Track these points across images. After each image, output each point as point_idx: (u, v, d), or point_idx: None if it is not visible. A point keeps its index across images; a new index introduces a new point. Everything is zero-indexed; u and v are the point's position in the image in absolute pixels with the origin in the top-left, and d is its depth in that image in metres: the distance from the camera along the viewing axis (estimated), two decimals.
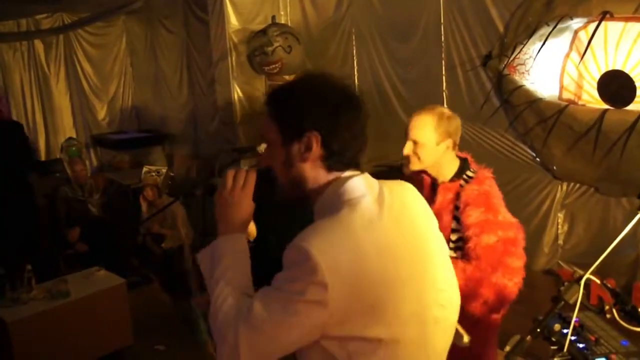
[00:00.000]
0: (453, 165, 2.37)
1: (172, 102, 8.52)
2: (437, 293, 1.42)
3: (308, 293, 1.18)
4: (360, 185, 1.32)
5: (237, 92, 6.71)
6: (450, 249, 2.29)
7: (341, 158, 1.34)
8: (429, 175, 2.42)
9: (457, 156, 2.42)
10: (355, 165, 1.37)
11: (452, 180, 2.35)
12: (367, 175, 1.37)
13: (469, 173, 2.35)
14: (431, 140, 2.28)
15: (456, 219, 2.28)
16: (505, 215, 2.31)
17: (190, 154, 8.13)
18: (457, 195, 2.29)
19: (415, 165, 2.34)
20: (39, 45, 8.53)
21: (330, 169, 1.34)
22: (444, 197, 2.34)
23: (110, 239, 5.52)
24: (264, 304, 1.22)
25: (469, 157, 2.44)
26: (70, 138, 8.36)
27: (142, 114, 9.41)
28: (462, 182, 2.32)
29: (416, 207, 1.45)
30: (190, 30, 7.73)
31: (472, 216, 2.23)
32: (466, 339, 2.08)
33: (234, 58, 6.60)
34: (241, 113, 6.72)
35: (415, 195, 1.48)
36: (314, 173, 1.35)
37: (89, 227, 5.72)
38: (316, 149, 1.32)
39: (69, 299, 3.90)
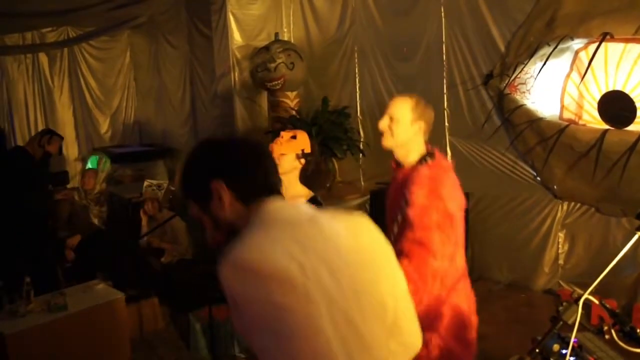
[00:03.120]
0: (418, 152, 2.46)
1: (175, 117, 8.55)
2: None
3: (272, 294, 1.20)
4: (276, 207, 1.41)
5: (239, 108, 6.73)
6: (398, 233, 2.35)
7: (250, 190, 1.42)
8: (396, 161, 2.51)
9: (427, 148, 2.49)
10: (270, 191, 1.44)
11: (412, 166, 2.43)
12: (289, 203, 1.45)
13: (428, 159, 2.40)
14: (406, 118, 2.43)
15: (405, 201, 2.33)
16: (448, 203, 2.29)
17: None
18: (408, 178, 2.37)
19: (388, 142, 2.49)
20: (43, 58, 8.58)
21: (245, 202, 1.42)
22: (397, 181, 2.44)
23: (110, 253, 5.51)
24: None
25: (436, 151, 2.48)
26: (94, 149, 8.65)
27: (144, 127, 9.45)
28: (417, 167, 2.39)
29: (363, 237, 1.46)
30: (193, 46, 7.78)
31: (415, 195, 2.26)
32: None
33: (236, 74, 6.63)
34: (243, 128, 6.74)
35: (366, 226, 1.50)
36: (235, 214, 1.42)
37: (89, 239, 5.72)
38: (226, 193, 1.41)
39: (66, 312, 3.88)
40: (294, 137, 2.98)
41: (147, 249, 5.62)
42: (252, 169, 1.44)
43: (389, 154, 2.56)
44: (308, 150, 2.98)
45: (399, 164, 2.54)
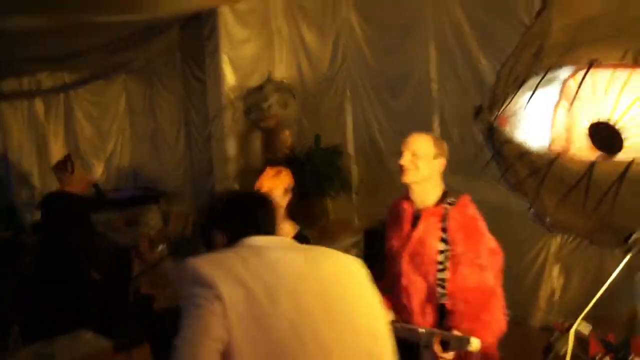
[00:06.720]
0: (439, 190, 2.55)
1: (170, 160, 8.57)
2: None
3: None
4: (249, 241, 1.92)
5: (232, 148, 6.74)
6: (439, 270, 2.38)
7: (235, 235, 1.95)
8: (410, 202, 2.52)
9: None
10: (256, 232, 1.94)
11: (436, 205, 2.40)
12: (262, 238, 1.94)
13: (450, 199, 2.50)
14: (429, 153, 2.52)
15: (444, 240, 2.36)
16: (489, 241, 2.53)
17: (187, 211, 8.10)
18: (442, 218, 2.40)
19: (412, 176, 2.60)
20: (39, 104, 8.62)
21: (232, 242, 1.95)
22: (428, 221, 2.44)
23: (100, 299, 5.41)
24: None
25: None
26: None
27: (139, 171, 9.44)
28: (445, 206, 2.42)
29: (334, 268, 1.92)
30: (188, 89, 7.85)
31: (460, 244, 2.39)
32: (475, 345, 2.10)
33: (230, 114, 6.66)
34: (237, 168, 6.74)
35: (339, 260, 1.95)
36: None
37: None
38: (219, 236, 2.02)
39: None
40: (279, 172, 3.05)
41: (139, 294, 5.51)
42: (239, 221, 1.99)
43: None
44: (292, 185, 3.05)
45: (413, 205, 2.53)
